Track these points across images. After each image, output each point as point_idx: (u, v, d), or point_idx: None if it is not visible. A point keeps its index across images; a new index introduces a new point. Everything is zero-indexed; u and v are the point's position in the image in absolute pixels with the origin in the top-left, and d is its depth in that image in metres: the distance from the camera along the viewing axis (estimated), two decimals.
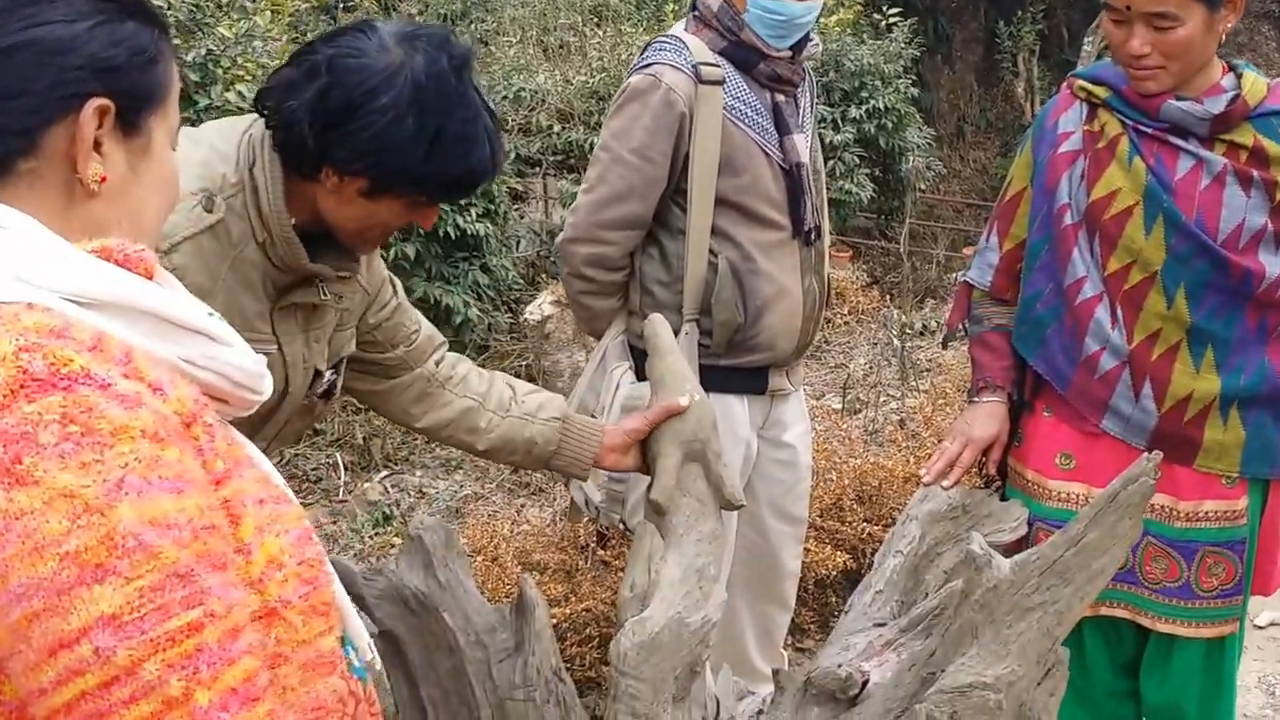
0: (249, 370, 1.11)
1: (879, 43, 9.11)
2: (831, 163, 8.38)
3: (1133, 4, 2.19)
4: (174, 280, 1.18)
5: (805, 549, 3.67)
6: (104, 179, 1.06)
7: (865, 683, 2.14)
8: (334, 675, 1.09)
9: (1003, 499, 2.52)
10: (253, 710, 0.95)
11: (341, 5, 9.77)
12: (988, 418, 2.48)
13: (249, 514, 1.04)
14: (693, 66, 2.71)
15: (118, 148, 1.08)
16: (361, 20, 1.85)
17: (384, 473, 5.22)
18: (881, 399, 5.55)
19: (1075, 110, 2.42)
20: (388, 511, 4.74)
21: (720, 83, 2.72)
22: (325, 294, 1.93)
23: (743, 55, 2.76)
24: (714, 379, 2.76)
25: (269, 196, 1.79)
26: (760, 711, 2.36)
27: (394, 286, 2.19)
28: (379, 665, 1.30)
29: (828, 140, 8.29)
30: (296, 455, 5.08)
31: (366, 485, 5.04)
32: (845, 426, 4.51)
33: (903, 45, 9.17)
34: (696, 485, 2.27)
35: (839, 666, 2.13)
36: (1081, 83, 2.41)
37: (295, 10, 8.07)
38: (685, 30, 2.81)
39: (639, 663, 2.12)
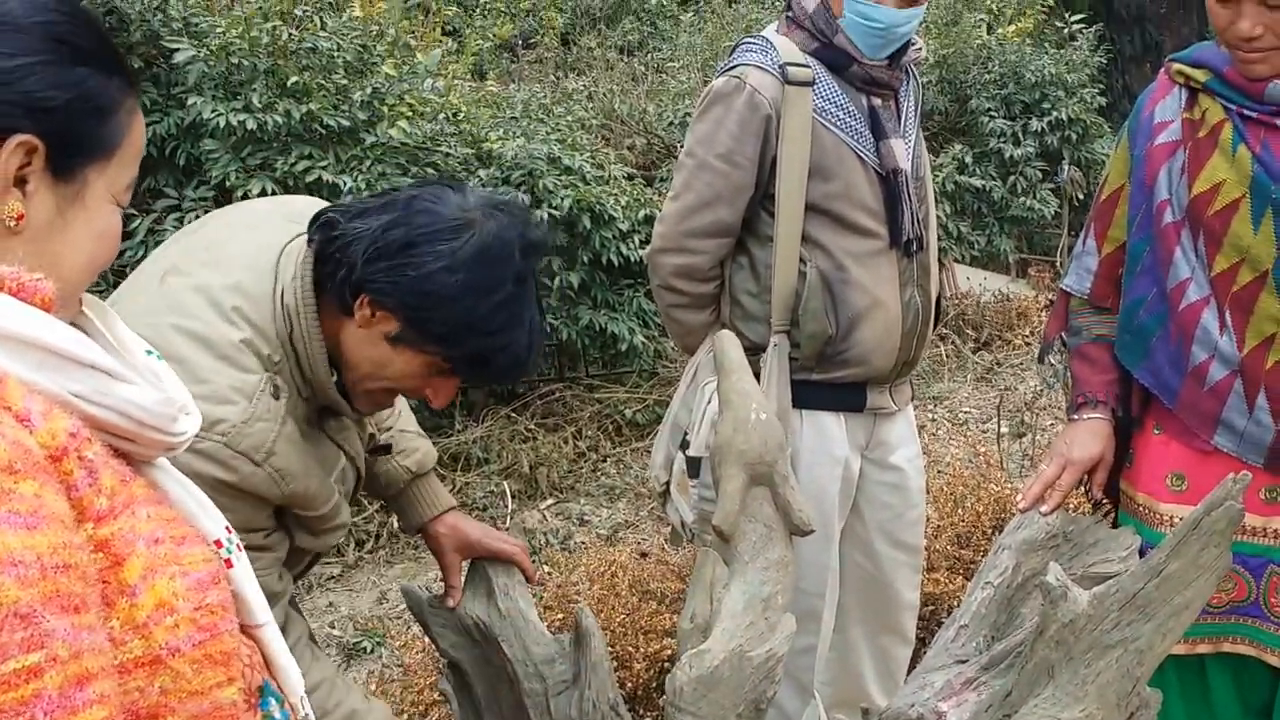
0: (150, 409, 1.06)
1: (1061, 51, 8.66)
2: (1013, 179, 8.04)
3: None
4: (107, 310, 1.14)
5: (935, 579, 3.47)
6: (21, 217, 1.03)
7: None
8: None
9: (1115, 526, 2.29)
10: None
11: (522, 42, 9.96)
12: (1089, 436, 2.26)
13: (138, 554, 1.00)
14: (779, 67, 2.57)
15: (47, 190, 1.05)
16: (455, 179, 1.82)
17: (550, 500, 5.25)
18: (1050, 423, 5.24)
19: (1173, 97, 2.20)
20: (544, 539, 4.76)
21: (809, 84, 2.58)
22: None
23: (833, 57, 2.62)
24: (806, 395, 2.63)
25: (310, 363, 1.79)
26: None
27: None
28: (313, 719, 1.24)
29: (1007, 155, 7.95)
30: (466, 484, 5.13)
31: (526, 514, 5.05)
32: (987, 452, 4.24)
33: (1087, 53, 8.68)
34: (763, 509, 2.15)
35: (911, 707, 1.97)
36: (1179, 66, 2.19)
37: (478, 50, 8.26)
38: (776, 31, 2.68)
39: (696, 699, 2.02)
